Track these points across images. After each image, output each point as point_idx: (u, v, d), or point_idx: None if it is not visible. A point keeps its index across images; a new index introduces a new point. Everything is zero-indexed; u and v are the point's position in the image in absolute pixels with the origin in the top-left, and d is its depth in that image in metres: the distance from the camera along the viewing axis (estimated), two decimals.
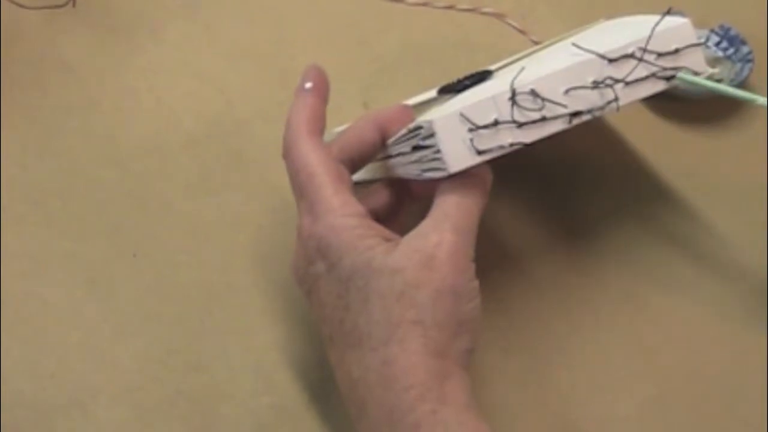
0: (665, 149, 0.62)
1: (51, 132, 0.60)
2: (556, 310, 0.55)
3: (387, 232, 0.47)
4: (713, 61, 0.64)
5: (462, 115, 0.46)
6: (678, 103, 0.63)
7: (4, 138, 0.59)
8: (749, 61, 0.63)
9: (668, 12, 0.51)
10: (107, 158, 0.59)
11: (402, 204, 0.52)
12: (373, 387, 0.44)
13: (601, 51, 0.49)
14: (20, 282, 0.54)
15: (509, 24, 0.65)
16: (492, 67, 0.56)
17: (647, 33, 0.49)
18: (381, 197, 0.52)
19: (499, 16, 0.65)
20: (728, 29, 0.65)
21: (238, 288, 0.55)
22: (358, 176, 0.56)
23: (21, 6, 0.64)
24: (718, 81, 0.63)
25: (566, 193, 0.59)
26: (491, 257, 0.56)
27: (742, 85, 0.62)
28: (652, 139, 0.62)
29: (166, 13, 0.66)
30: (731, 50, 0.64)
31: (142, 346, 0.52)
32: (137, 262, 0.55)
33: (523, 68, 0.49)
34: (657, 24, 0.49)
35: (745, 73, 0.62)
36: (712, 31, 0.65)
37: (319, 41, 0.65)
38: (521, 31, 0.65)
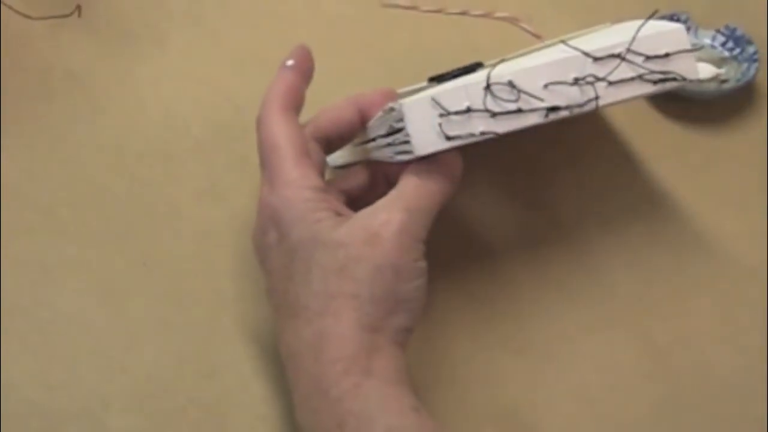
0: (669, 148, 0.62)
1: (58, 141, 0.60)
2: (565, 311, 0.55)
3: (342, 208, 0.48)
4: (719, 61, 0.64)
5: (433, 99, 0.46)
6: (682, 103, 0.63)
7: (12, 147, 0.59)
8: (755, 60, 0.63)
9: (654, 14, 0.51)
10: (115, 166, 0.59)
11: (377, 187, 0.52)
12: (305, 358, 0.45)
13: (588, 49, 0.49)
14: (29, 291, 0.54)
15: (523, 28, 0.65)
16: (490, 62, 0.56)
17: (639, 35, 0.49)
18: (357, 179, 0.53)
19: (513, 20, 0.65)
20: (734, 29, 0.65)
21: (248, 294, 0.55)
22: (341, 159, 0.56)
23: (27, 16, 0.64)
24: (724, 81, 0.63)
25: (569, 192, 0.59)
26: (499, 259, 0.56)
27: (748, 85, 0.62)
28: (655, 138, 0.62)
29: (171, 21, 0.66)
30: (737, 50, 0.64)
31: (153, 354, 0.52)
32: (146, 269, 0.55)
33: (503, 59, 0.49)
34: (642, 25, 0.50)
35: (752, 72, 0.62)
36: (718, 31, 0.65)
37: (328, 47, 0.64)
38: (536, 35, 0.65)
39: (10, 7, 0.64)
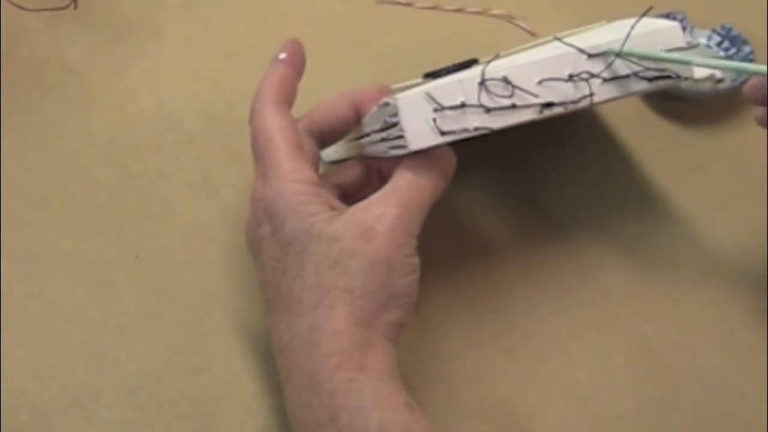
0: (666, 149, 0.62)
1: (52, 132, 0.60)
2: (558, 310, 0.55)
3: (335, 202, 0.48)
4: None
5: (428, 94, 0.46)
6: (679, 103, 0.63)
7: (6, 138, 0.59)
8: (751, 61, 0.63)
9: (648, 11, 0.51)
10: (108, 158, 0.59)
11: (371, 182, 0.53)
12: (298, 352, 0.45)
13: (583, 46, 0.49)
14: (21, 283, 0.54)
15: (518, 26, 0.65)
16: (485, 58, 0.56)
17: (634, 32, 0.49)
18: (351, 173, 0.53)
19: (508, 18, 0.65)
20: (730, 29, 0.65)
21: (240, 288, 0.54)
22: (336, 154, 0.56)
23: (23, 8, 0.64)
24: (719, 81, 0.63)
25: (566, 191, 0.59)
26: (492, 257, 0.56)
27: (743, 85, 0.62)
28: (652, 138, 0.62)
29: (166, 14, 0.66)
30: (733, 50, 0.64)
31: (144, 347, 0.52)
32: (138, 262, 0.55)
33: (498, 56, 0.49)
34: (636, 22, 0.50)
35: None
36: (714, 31, 0.65)
37: (324, 43, 0.65)
38: (531, 33, 0.65)
39: None
